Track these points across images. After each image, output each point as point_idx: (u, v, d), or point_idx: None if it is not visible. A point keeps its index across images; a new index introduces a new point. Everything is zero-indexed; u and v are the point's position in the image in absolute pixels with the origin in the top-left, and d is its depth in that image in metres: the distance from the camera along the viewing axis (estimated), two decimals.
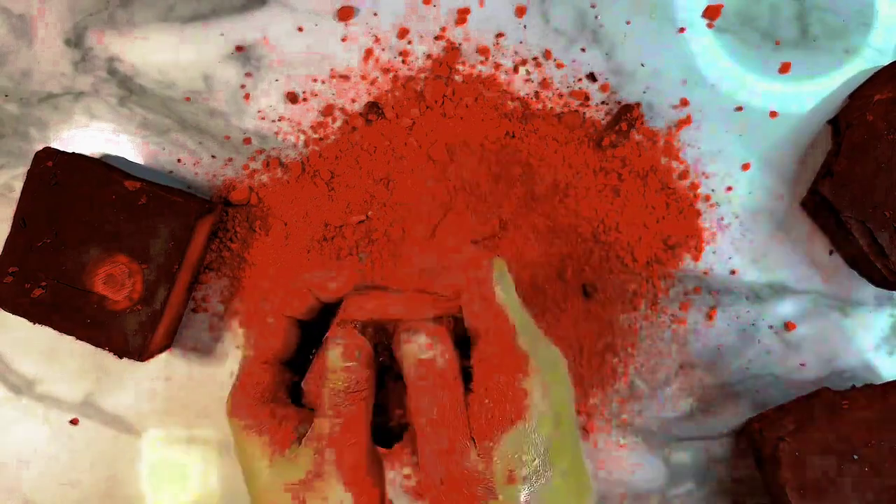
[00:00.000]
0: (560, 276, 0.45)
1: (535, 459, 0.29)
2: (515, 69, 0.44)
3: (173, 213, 0.40)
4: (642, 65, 0.44)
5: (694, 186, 0.45)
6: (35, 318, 0.41)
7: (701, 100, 0.45)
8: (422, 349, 0.31)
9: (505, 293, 0.32)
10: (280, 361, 0.34)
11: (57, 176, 0.40)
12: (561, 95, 0.44)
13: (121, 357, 0.41)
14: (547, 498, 0.30)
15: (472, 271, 0.32)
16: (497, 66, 0.44)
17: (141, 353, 0.41)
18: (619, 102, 0.44)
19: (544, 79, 0.44)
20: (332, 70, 0.44)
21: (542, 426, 0.30)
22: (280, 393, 0.33)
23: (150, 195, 0.40)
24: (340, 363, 0.31)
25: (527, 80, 0.44)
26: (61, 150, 0.41)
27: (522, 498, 0.29)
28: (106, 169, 0.41)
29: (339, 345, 0.31)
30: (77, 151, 0.44)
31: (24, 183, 0.40)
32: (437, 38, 0.44)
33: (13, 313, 0.41)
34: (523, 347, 0.31)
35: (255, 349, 0.33)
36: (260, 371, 0.33)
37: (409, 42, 0.44)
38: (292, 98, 0.44)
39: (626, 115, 0.44)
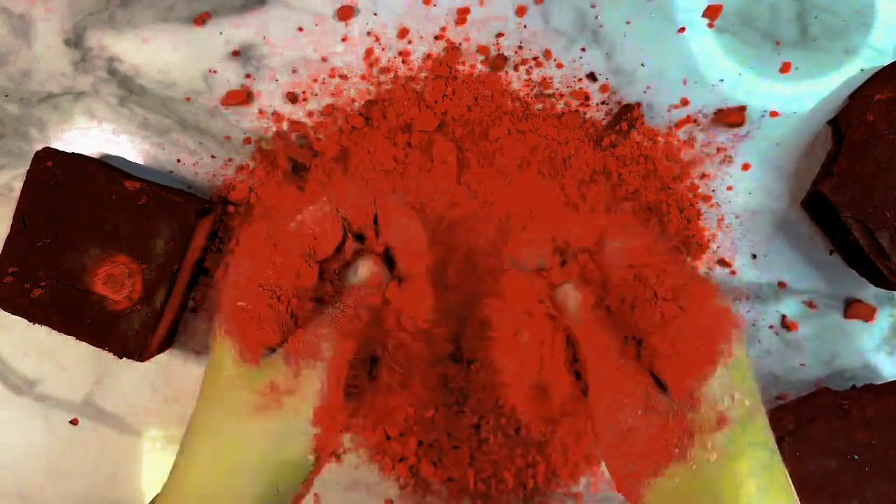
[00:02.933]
0: None
1: (745, 399, 0.27)
2: (516, 69, 0.44)
3: (173, 214, 0.40)
4: (642, 65, 0.44)
5: (694, 187, 0.45)
6: (35, 318, 0.41)
7: (701, 100, 0.45)
8: (577, 307, 0.30)
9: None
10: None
11: (57, 176, 0.40)
12: (561, 95, 0.44)
13: (121, 357, 0.41)
14: (760, 441, 0.27)
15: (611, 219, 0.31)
16: (497, 66, 0.44)
17: (141, 354, 0.41)
18: (619, 102, 0.44)
19: (544, 79, 0.44)
20: (332, 70, 0.44)
21: (746, 360, 0.28)
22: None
23: (150, 195, 0.40)
24: (366, 277, 0.32)
25: (527, 81, 0.44)
26: (61, 150, 0.41)
27: (727, 443, 0.26)
28: (106, 169, 0.41)
29: (368, 264, 0.32)
30: (77, 151, 0.44)
31: (24, 183, 0.40)
32: (437, 38, 0.44)
33: (13, 313, 0.41)
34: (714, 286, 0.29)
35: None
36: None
37: (410, 42, 0.44)
38: (292, 98, 0.44)
39: (627, 115, 0.44)
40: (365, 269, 0.33)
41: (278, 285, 0.31)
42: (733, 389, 0.27)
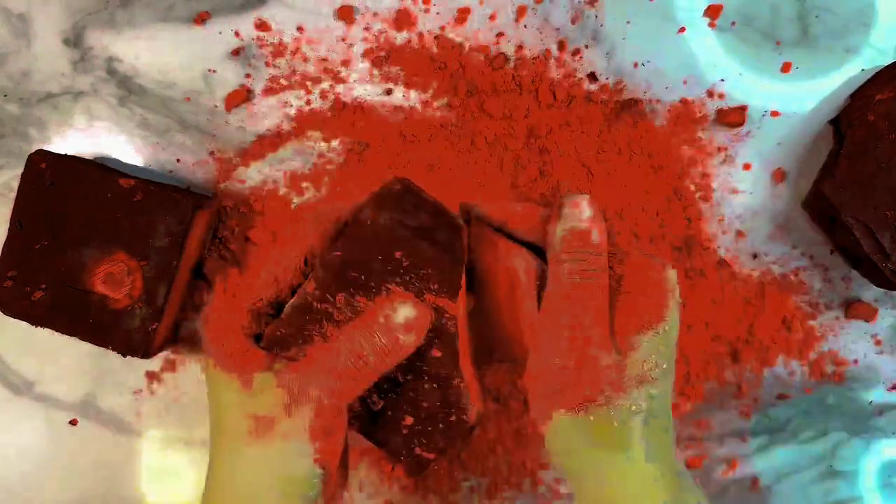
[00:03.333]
0: None
1: (665, 364, 0.30)
2: (516, 69, 0.44)
3: (169, 209, 0.40)
4: (642, 65, 0.44)
5: (696, 187, 0.45)
6: (37, 321, 0.41)
7: (701, 100, 0.45)
8: (580, 219, 0.30)
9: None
10: (271, 305, 0.33)
11: (51, 177, 0.40)
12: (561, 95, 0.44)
13: (125, 356, 0.41)
14: (661, 407, 0.31)
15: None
16: (497, 66, 0.44)
17: (145, 351, 0.41)
18: (619, 102, 0.44)
19: (544, 79, 0.44)
20: (332, 70, 0.44)
21: (674, 332, 0.31)
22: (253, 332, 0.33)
23: (146, 192, 0.40)
24: (401, 325, 0.29)
25: (526, 81, 0.44)
26: (54, 151, 0.41)
27: (644, 402, 0.30)
28: (100, 168, 0.41)
29: (409, 308, 0.29)
30: (75, 152, 0.44)
31: (19, 186, 0.40)
32: (437, 38, 0.44)
33: (15, 317, 0.41)
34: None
35: (251, 290, 0.33)
36: (246, 312, 0.32)
37: (410, 42, 0.44)
38: (293, 98, 0.44)
39: (631, 110, 0.44)
40: (406, 312, 0.29)
41: (259, 310, 0.32)
42: (659, 351, 0.30)
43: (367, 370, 0.29)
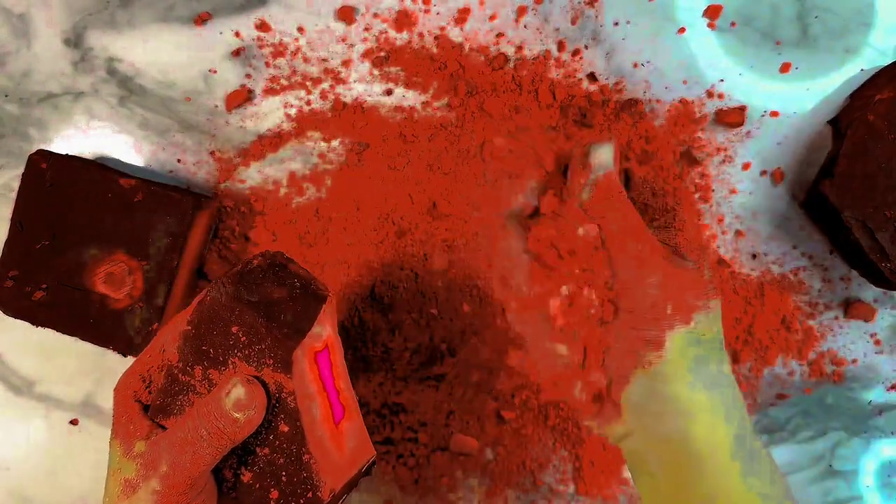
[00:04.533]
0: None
1: (717, 296, 0.32)
2: (516, 69, 0.44)
3: (169, 209, 0.40)
4: (642, 65, 0.44)
5: (696, 187, 0.45)
6: (38, 321, 0.41)
7: (701, 100, 0.45)
8: (608, 160, 0.32)
9: None
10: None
11: (51, 177, 0.40)
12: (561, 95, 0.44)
13: (125, 356, 0.41)
14: (716, 325, 0.32)
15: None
16: (497, 65, 0.44)
17: None
18: (619, 102, 0.44)
19: (544, 79, 0.44)
20: (332, 70, 0.44)
21: (717, 320, 0.33)
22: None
23: (146, 192, 0.40)
24: (233, 404, 0.30)
25: (526, 81, 0.44)
26: (54, 151, 0.41)
27: (713, 318, 0.32)
28: (100, 168, 0.41)
29: (238, 388, 0.30)
30: (75, 152, 0.44)
31: (19, 186, 0.40)
32: (437, 38, 0.44)
33: (16, 317, 0.41)
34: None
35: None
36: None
37: (410, 42, 0.44)
38: (293, 98, 0.44)
39: (630, 110, 0.44)
40: (237, 392, 0.30)
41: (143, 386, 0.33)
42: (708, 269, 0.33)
43: (207, 447, 0.30)
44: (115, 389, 0.34)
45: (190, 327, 0.31)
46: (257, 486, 0.32)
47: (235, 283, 0.32)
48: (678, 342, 0.31)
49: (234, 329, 0.31)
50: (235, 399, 0.30)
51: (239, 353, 0.31)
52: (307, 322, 0.32)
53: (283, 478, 0.31)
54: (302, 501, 0.31)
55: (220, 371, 0.31)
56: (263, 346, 0.31)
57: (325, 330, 0.32)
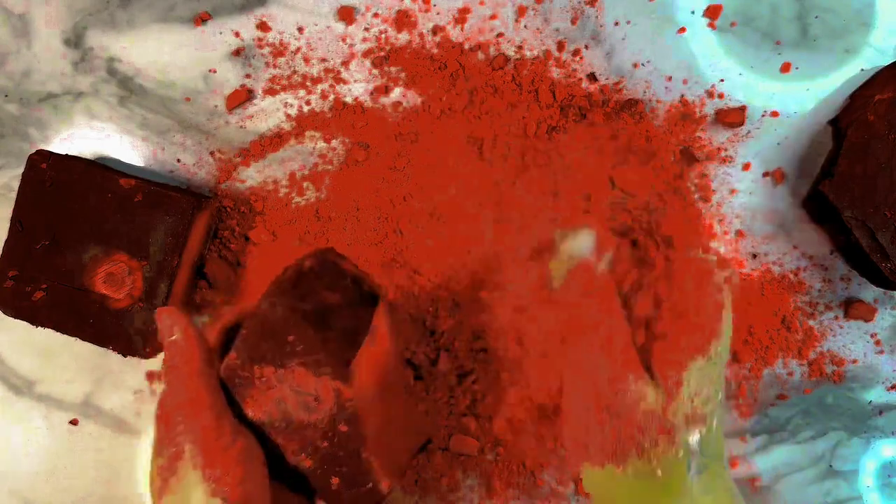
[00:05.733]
0: None
1: (718, 392, 0.26)
2: (516, 69, 0.44)
3: (169, 209, 0.40)
4: (642, 65, 0.44)
5: (696, 187, 0.45)
6: (38, 321, 0.41)
7: (701, 100, 0.45)
8: (583, 249, 0.27)
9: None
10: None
11: (52, 178, 0.40)
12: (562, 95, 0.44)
13: (125, 356, 0.41)
14: (714, 440, 0.26)
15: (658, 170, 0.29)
16: (497, 65, 0.44)
17: (145, 351, 0.41)
18: (619, 102, 0.44)
19: (544, 78, 0.44)
20: (332, 70, 0.44)
21: (726, 347, 0.26)
22: None
23: (146, 192, 0.40)
24: (164, 340, 0.31)
25: (526, 81, 0.44)
26: (54, 151, 0.41)
27: (696, 445, 0.25)
28: (100, 168, 0.41)
29: (162, 322, 0.31)
30: (75, 152, 0.44)
31: (20, 186, 0.40)
32: (437, 38, 0.44)
33: (16, 317, 0.41)
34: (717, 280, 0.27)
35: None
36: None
37: (410, 42, 0.44)
38: (293, 98, 0.44)
39: (630, 110, 0.44)
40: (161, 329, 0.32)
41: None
42: (711, 380, 0.26)
43: (174, 377, 0.31)
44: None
45: (246, 331, 0.32)
46: (318, 471, 0.32)
47: (289, 292, 0.33)
48: (592, 479, 0.27)
49: (290, 338, 0.32)
50: (160, 327, 0.32)
51: (296, 360, 0.32)
52: (363, 328, 0.32)
53: (344, 469, 0.32)
54: (362, 490, 0.32)
55: (277, 372, 0.32)
56: (320, 357, 0.31)
57: (379, 331, 0.33)
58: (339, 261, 0.34)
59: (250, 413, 0.32)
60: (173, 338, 0.31)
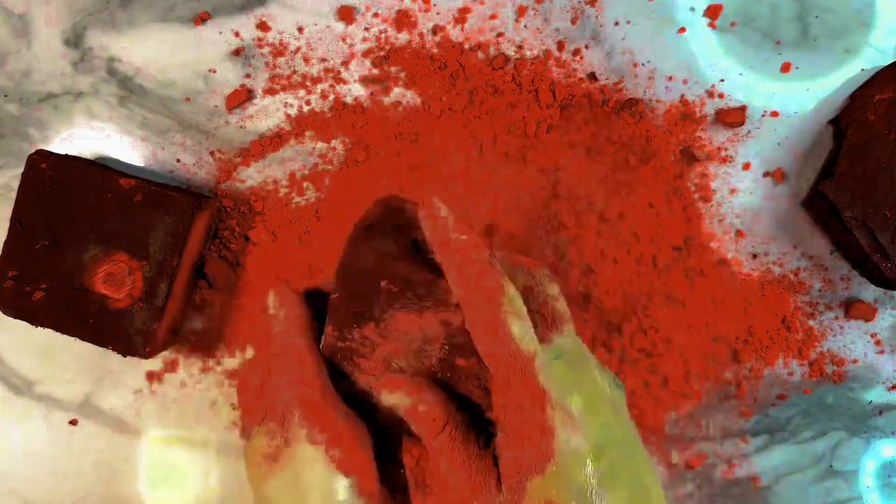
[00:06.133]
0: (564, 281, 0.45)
1: (571, 501, 0.26)
2: (516, 69, 0.44)
3: (169, 209, 0.40)
4: (642, 65, 0.44)
5: (696, 187, 0.45)
6: (38, 321, 0.41)
7: (701, 100, 0.45)
8: (403, 406, 0.29)
9: (517, 320, 0.28)
10: None
11: (51, 177, 0.40)
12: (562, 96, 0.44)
13: (125, 356, 0.41)
14: None
15: (475, 283, 0.28)
16: (497, 65, 0.44)
17: (145, 351, 0.41)
18: (619, 102, 0.44)
19: (544, 78, 0.44)
20: (332, 70, 0.44)
21: (577, 466, 0.26)
22: None
23: (146, 192, 0.40)
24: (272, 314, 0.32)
25: (526, 81, 0.44)
26: (54, 151, 0.41)
27: None
28: (100, 168, 0.41)
29: (271, 298, 0.32)
30: (75, 152, 0.44)
31: (19, 186, 0.40)
32: (437, 38, 0.44)
33: (15, 318, 0.41)
34: (541, 381, 0.27)
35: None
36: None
37: (410, 42, 0.44)
38: (293, 98, 0.44)
39: (630, 110, 0.44)
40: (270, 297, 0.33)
41: None
42: (554, 494, 0.26)
43: (284, 345, 0.31)
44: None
45: (336, 295, 0.31)
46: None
47: (369, 239, 0.31)
48: None
49: (383, 284, 0.30)
50: (270, 302, 0.32)
51: (396, 304, 0.30)
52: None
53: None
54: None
55: (378, 326, 0.30)
56: (419, 292, 0.30)
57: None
58: (403, 203, 0.33)
59: (363, 384, 0.30)
60: (281, 312, 0.31)
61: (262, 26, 0.44)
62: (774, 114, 0.45)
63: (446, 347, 0.30)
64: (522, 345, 0.27)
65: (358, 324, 0.30)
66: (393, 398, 0.29)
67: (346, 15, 0.44)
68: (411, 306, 0.30)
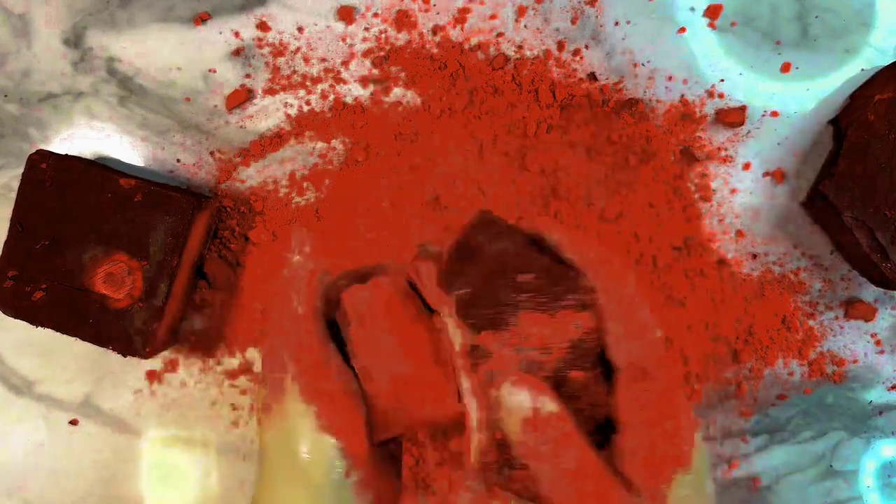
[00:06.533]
0: None
1: (706, 493, 0.27)
2: (516, 69, 0.44)
3: (169, 209, 0.40)
4: (642, 65, 0.44)
5: (696, 187, 0.45)
6: (38, 321, 0.41)
7: (701, 100, 0.45)
8: (525, 405, 0.27)
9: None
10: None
11: (51, 177, 0.40)
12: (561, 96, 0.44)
13: (125, 356, 0.41)
14: None
15: (610, 279, 0.28)
16: (497, 65, 0.44)
17: (145, 351, 0.41)
18: (619, 102, 0.44)
19: (544, 78, 0.44)
20: (332, 70, 0.44)
21: (706, 468, 0.27)
22: None
23: (146, 192, 0.40)
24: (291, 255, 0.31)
25: (526, 81, 0.44)
26: (54, 151, 0.41)
27: None
28: (100, 168, 0.41)
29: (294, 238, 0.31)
30: (75, 152, 0.44)
31: (19, 186, 0.40)
32: (437, 38, 0.44)
33: (15, 317, 0.41)
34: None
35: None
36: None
37: (410, 42, 0.44)
38: (293, 98, 0.44)
39: (630, 110, 0.44)
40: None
41: None
42: (695, 489, 0.27)
43: (295, 298, 0.31)
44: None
45: (468, 290, 0.29)
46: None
47: (491, 239, 0.29)
48: None
49: (519, 277, 0.28)
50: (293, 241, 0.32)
51: (530, 302, 0.28)
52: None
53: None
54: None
55: (497, 332, 0.28)
56: (559, 288, 0.28)
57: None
58: (497, 218, 0.32)
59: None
60: (297, 258, 0.31)
61: (262, 26, 0.44)
62: (774, 114, 0.45)
63: (569, 356, 0.28)
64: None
65: (477, 328, 0.29)
66: (517, 397, 0.27)
67: (346, 15, 0.44)
68: (545, 306, 0.28)
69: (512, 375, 0.27)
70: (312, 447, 0.28)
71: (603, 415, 0.29)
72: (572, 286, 0.28)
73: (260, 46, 0.44)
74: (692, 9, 0.44)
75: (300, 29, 0.44)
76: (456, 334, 0.29)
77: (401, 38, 0.44)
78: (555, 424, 0.27)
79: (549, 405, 0.27)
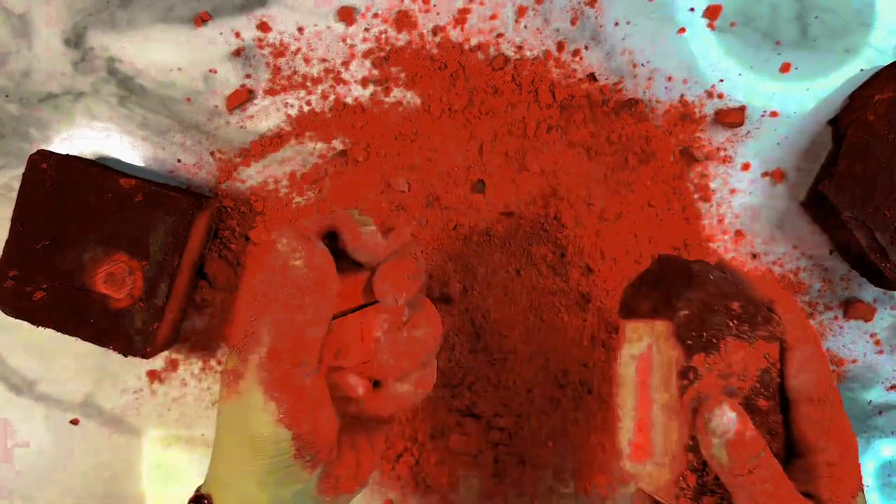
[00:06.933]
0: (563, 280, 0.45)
1: None
2: (516, 69, 0.44)
3: (169, 209, 0.40)
4: (642, 65, 0.44)
5: (696, 187, 0.45)
6: (38, 321, 0.41)
7: (701, 100, 0.45)
8: (729, 427, 0.28)
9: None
10: None
11: (52, 177, 0.40)
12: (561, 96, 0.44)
13: (126, 356, 0.41)
14: None
15: (796, 313, 0.31)
16: (497, 66, 0.44)
17: (146, 351, 0.41)
18: (619, 102, 0.44)
19: (544, 79, 0.44)
20: (332, 70, 0.44)
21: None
22: None
23: (146, 192, 0.40)
24: (280, 260, 0.28)
25: (526, 81, 0.44)
26: (55, 151, 0.41)
27: None
28: (101, 169, 0.41)
29: (282, 238, 0.28)
30: (76, 152, 0.44)
31: (20, 186, 0.40)
32: (437, 38, 0.44)
33: (16, 317, 0.41)
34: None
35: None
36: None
37: (410, 42, 0.44)
38: (293, 98, 0.44)
39: (630, 110, 0.44)
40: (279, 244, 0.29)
41: None
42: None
43: (285, 305, 0.28)
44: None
45: (687, 311, 0.30)
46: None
47: (710, 266, 0.32)
48: None
49: (733, 305, 0.30)
50: (285, 248, 0.28)
51: (735, 330, 0.30)
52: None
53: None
54: None
55: (708, 357, 0.29)
56: (758, 319, 0.30)
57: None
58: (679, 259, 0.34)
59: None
60: (297, 263, 0.28)
61: (263, 27, 0.44)
62: (774, 114, 0.45)
63: (757, 384, 0.30)
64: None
65: (692, 349, 0.30)
66: (724, 420, 0.29)
67: (347, 15, 0.44)
68: (746, 333, 0.30)
69: (720, 398, 0.29)
70: (269, 438, 0.28)
71: (778, 444, 0.31)
72: (766, 317, 0.31)
73: (260, 47, 0.44)
74: (692, 9, 0.44)
75: (300, 29, 0.44)
76: (667, 353, 0.31)
77: (401, 38, 0.44)
78: (756, 448, 0.29)
79: (750, 429, 0.29)
